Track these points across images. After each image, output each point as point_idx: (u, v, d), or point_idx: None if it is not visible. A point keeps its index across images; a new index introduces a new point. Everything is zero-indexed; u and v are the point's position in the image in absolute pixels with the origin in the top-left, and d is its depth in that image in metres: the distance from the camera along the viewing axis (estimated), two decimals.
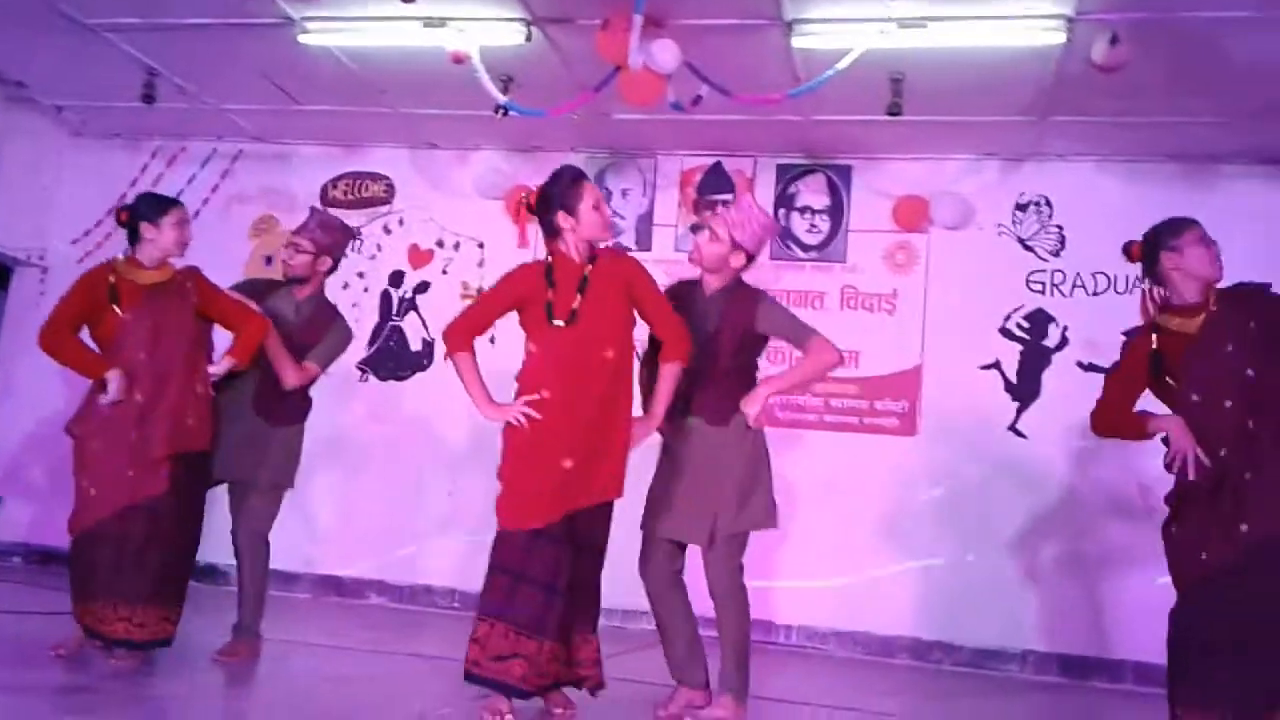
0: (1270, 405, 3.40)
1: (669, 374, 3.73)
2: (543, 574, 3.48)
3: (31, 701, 3.26)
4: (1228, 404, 3.40)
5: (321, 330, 4.44)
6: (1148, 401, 3.70)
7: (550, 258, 3.76)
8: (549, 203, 3.75)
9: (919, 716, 4.67)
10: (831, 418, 6.40)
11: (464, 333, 3.76)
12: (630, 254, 6.74)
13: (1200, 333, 3.51)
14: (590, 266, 3.71)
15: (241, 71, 6.11)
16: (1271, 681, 3.27)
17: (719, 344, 3.87)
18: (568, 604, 3.53)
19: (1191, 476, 3.39)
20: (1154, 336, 3.62)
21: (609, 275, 3.72)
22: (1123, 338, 5.95)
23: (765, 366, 4.17)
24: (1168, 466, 3.50)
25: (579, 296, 3.64)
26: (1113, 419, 3.68)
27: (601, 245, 3.85)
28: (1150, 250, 3.70)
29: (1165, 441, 3.51)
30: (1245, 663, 3.27)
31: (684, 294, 4.03)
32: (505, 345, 4.23)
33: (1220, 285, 3.65)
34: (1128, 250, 3.83)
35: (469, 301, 6.94)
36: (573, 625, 3.62)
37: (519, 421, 3.57)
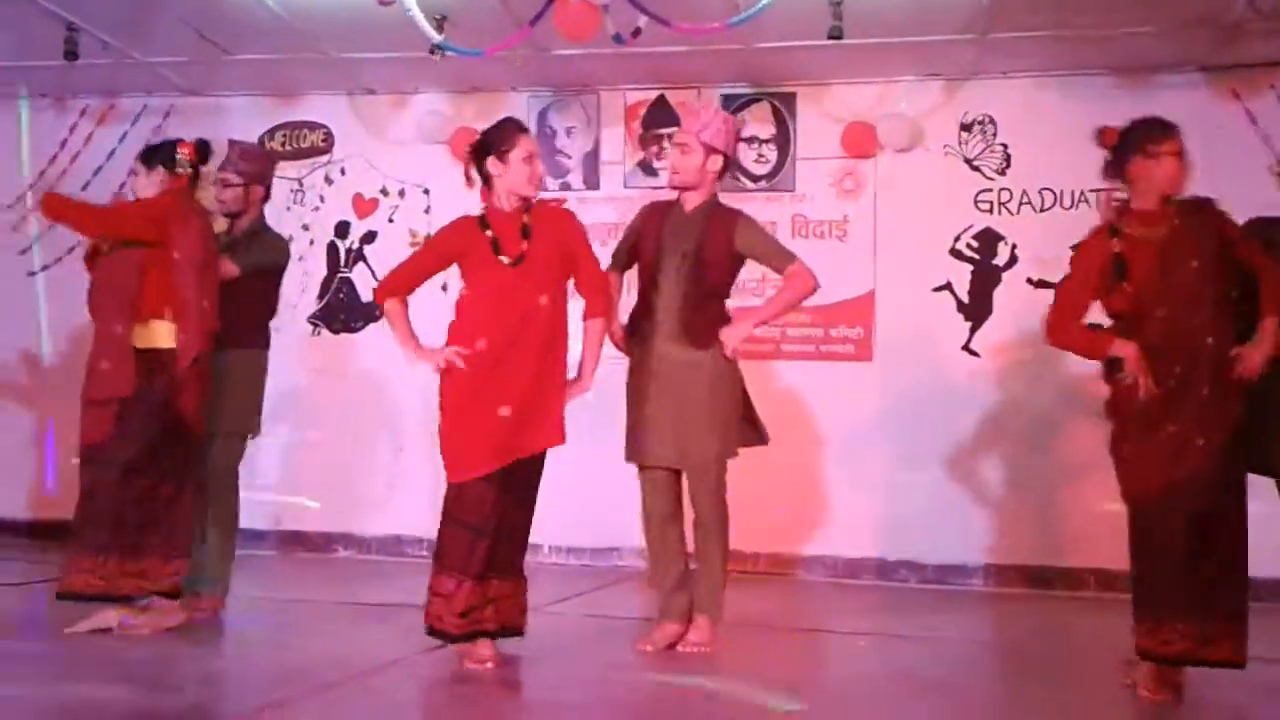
0: (1225, 323, 3.45)
1: (594, 330, 3.76)
2: (472, 517, 3.52)
3: None
4: (1193, 320, 3.42)
5: (262, 247, 4.40)
6: (1095, 313, 3.72)
7: (484, 207, 3.73)
8: (484, 148, 3.72)
9: (890, 632, 4.75)
10: (788, 346, 6.43)
11: (392, 286, 3.80)
12: (578, 193, 6.75)
13: (1166, 246, 3.51)
14: (528, 215, 3.70)
15: (167, 23, 5.92)
16: (1228, 592, 3.36)
17: (702, 261, 3.87)
18: (493, 546, 3.53)
19: (1142, 396, 3.42)
20: (1114, 240, 3.59)
21: (549, 223, 3.73)
22: (1070, 252, 6.13)
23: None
24: (1111, 381, 3.53)
25: (524, 241, 3.61)
26: (1069, 327, 3.68)
27: (532, 200, 3.79)
28: (1124, 148, 3.63)
29: (1112, 363, 3.52)
30: (1201, 576, 3.35)
31: (662, 211, 4.02)
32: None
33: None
34: (1100, 136, 3.74)
35: (417, 250, 6.89)
36: (498, 568, 3.60)
37: (453, 364, 3.57)
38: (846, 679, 3.58)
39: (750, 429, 4.02)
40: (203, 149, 4.09)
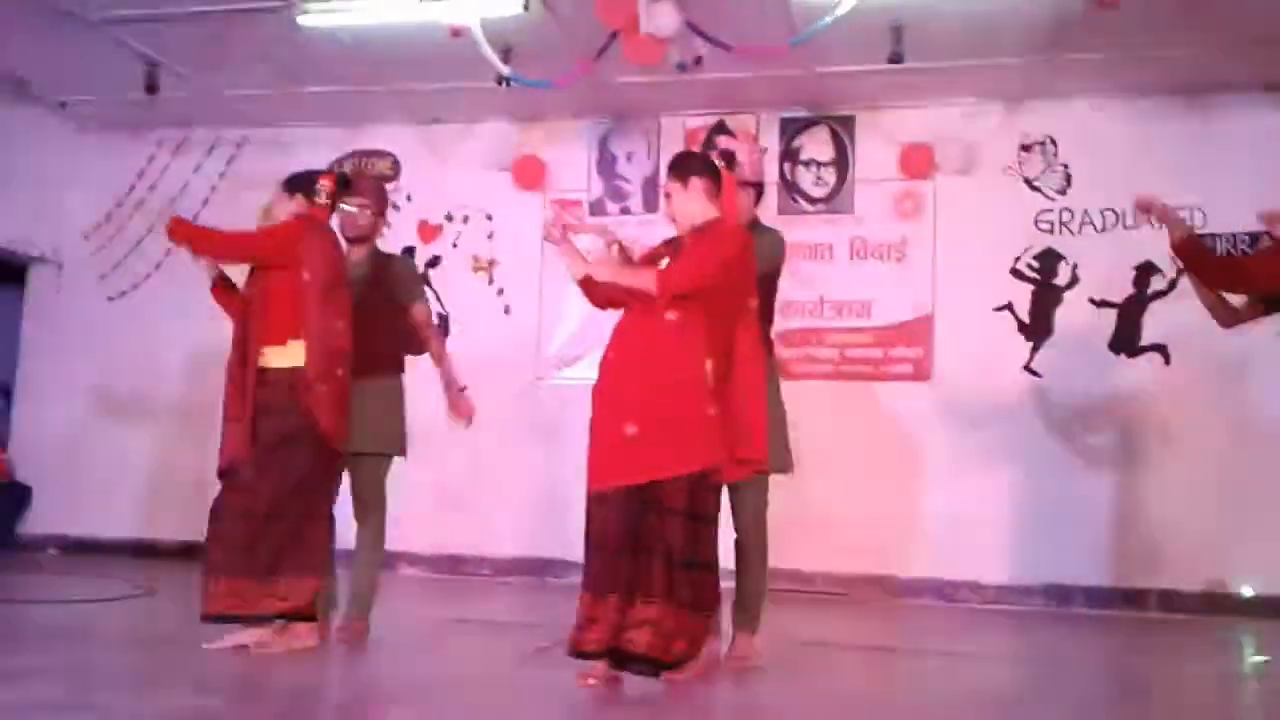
0: None
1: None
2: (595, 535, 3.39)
3: None
4: None
5: (397, 278, 4.42)
6: None
7: None
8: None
9: (953, 649, 4.76)
10: (846, 367, 6.46)
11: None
12: (637, 216, 6.85)
13: None
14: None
15: (242, 57, 6.13)
16: None
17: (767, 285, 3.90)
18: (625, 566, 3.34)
19: None
20: None
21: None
22: (1133, 271, 6.12)
23: None
24: None
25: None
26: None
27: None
28: None
29: None
30: None
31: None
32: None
33: None
34: None
35: (480, 274, 7.03)
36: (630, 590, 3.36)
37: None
38: (899, 696, 3.59)
39: (786, 455, 3.99)
40: (343, 181, 4.21)
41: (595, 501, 3.38)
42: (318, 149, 7.20)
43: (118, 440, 7.20)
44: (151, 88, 6.32)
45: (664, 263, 3.50)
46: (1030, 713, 3.52)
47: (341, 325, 3.94)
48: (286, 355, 3.86)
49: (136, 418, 7.19)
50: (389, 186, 7.09)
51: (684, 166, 3.60)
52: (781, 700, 3.35)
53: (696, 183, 3.55)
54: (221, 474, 3.88)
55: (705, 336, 3.41)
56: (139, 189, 7.42)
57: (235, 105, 6.92)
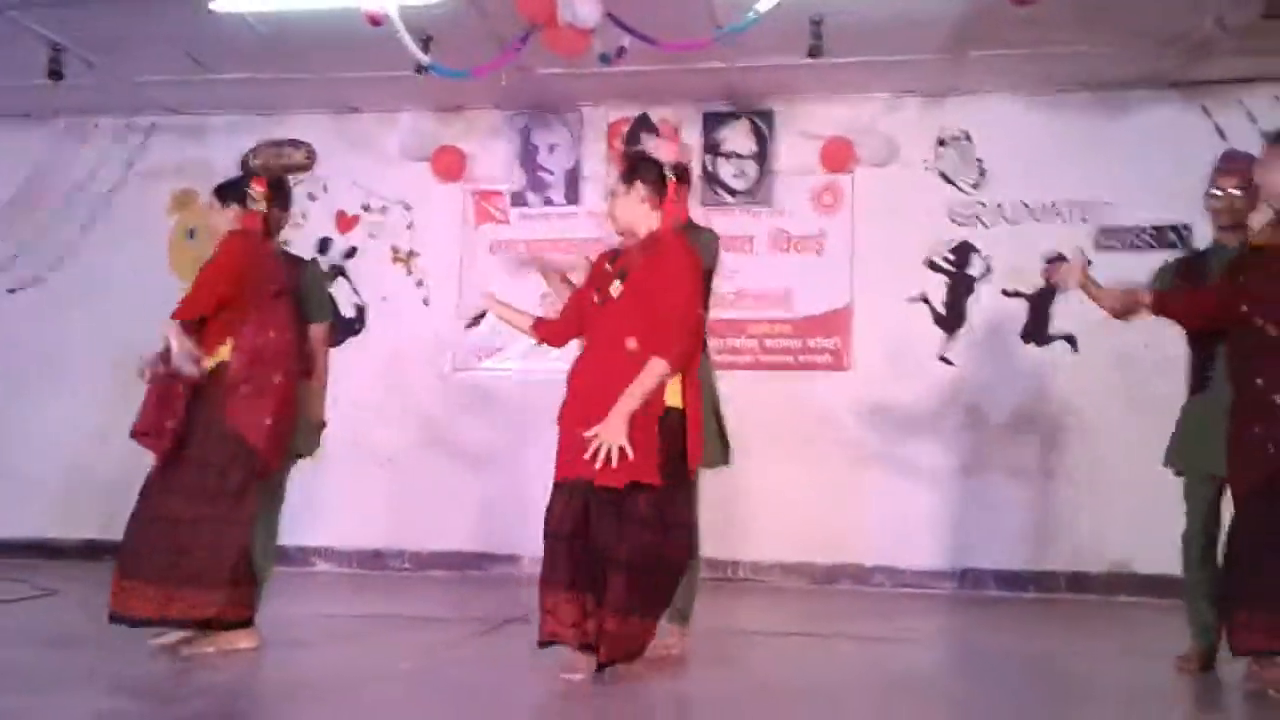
0: None
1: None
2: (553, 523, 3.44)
3: None
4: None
5: (306, 290, 4.31)
6: None
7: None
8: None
9: (870, 635, 4.85)
10: (766, 358, 6.52)
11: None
12: (559, 208, 6.83)
13: None
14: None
15: (152, 42, 5.96)
16: None
17: None
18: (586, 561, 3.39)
19: None
20: None
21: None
22: (1043, 264, 6.28)
23: None
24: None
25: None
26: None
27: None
28: None
29: None
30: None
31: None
32: None
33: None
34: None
35: (399, 266, 6.95)
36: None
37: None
38: (833, 681, 3.65)
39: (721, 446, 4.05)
40: (276, 184, 4.11)
41: (559, 490, 3.41)
42: (231, 137, 7.03)
43: (21, 438, 6.97)
44: (56, 74, 6.09)
45: (616, 285, 3.50)
46: (946, 693, 3.60)
47: (275, 335, 3.87)
48: (215, 360, 3.80)
49: (40, 414, 6.96)
50: (305, 176, 7.00)
51: (633, 171, 3.61)
52: (703, 689, 3.38)
53: (641, 189, 3.57)
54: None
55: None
56: (41, 178, 7.18)
57: (144, 92, 6.73)
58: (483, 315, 4.02)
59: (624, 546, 3.30)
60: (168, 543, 3.68)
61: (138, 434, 3.77)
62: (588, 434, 3.31)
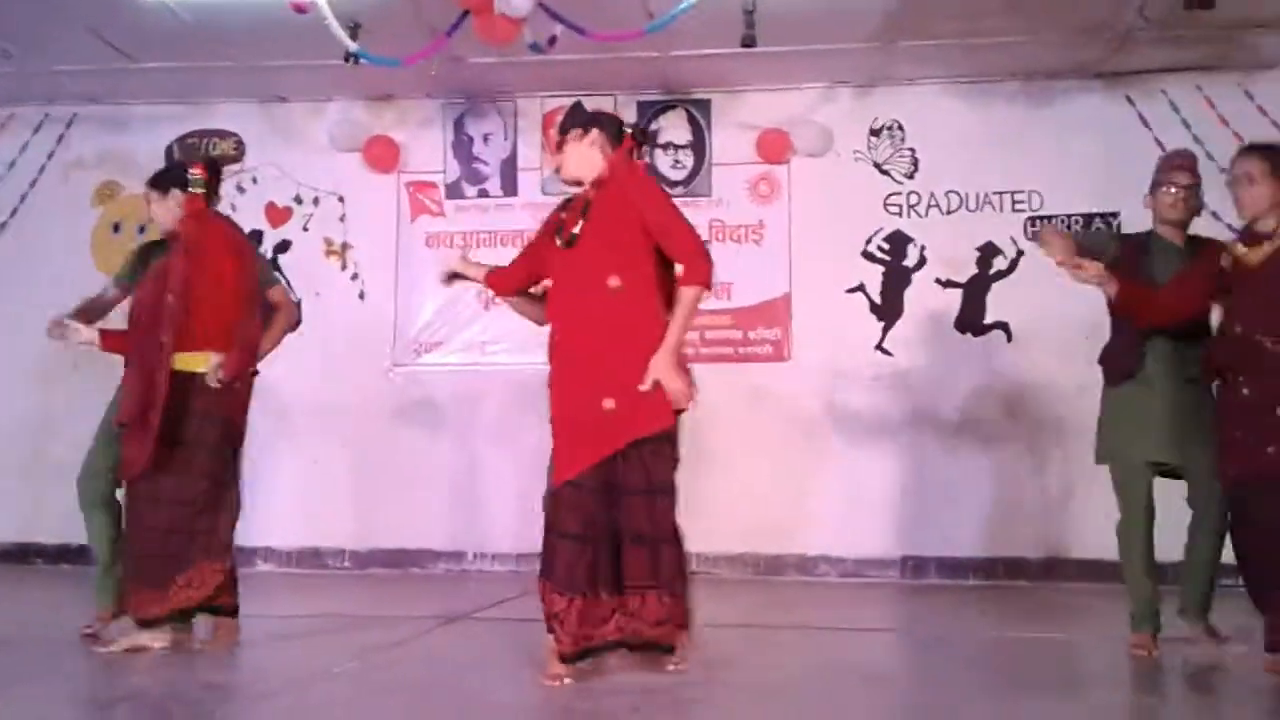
0: None
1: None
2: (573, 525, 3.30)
3: None
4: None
5: None
6: None
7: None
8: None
9: (814, 625, 4.87)
10: (707, 349, 6.52)
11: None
12: (495, 199, 6.76)
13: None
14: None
15: (70, 31, 5.78)
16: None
17: None
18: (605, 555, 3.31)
19: None
20: None
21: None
22: (976, 253, 6.35)
23: None
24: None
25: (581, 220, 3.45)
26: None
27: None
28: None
29: None
30: None
31: None
32: None
33: None
34: None
35: (334, 259, 6.83)
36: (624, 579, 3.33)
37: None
38: (782, 673, 3.65)
39: None
40: (213, 166, 4.06)
41: (569, 489, 3.29)
42: (155, 127, 6.88)
43: None
44: None
45: (579, 226, 3.39)
46: (890, 682, 3.63)
47: (257, 324, 3.99)
48: (198, 360, 3.78)
49: None
50: (234, 168, 6.85)
51: (592, 119, 3.53)
52: (653, 681, 3.36)
53: (598, 136, 3.48)
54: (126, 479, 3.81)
55: (658, 289, 3.39)
56: None
57: (64, 82, 6.53)
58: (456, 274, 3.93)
59: (655, 523, 3.31)
60: (163, 550, 3.73)
61: (119, 425, 3.83)
62: (644, 386, 3.26)
